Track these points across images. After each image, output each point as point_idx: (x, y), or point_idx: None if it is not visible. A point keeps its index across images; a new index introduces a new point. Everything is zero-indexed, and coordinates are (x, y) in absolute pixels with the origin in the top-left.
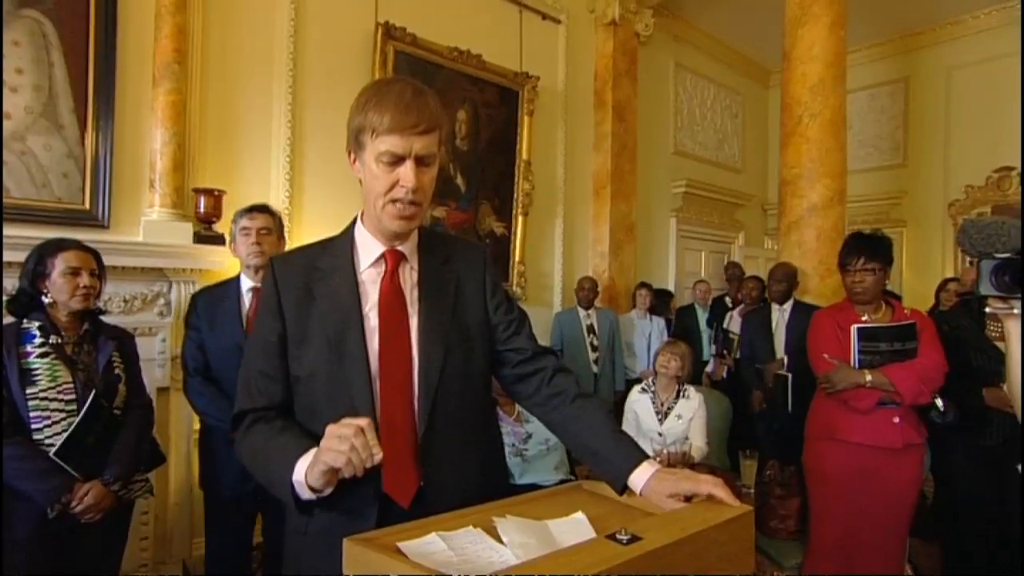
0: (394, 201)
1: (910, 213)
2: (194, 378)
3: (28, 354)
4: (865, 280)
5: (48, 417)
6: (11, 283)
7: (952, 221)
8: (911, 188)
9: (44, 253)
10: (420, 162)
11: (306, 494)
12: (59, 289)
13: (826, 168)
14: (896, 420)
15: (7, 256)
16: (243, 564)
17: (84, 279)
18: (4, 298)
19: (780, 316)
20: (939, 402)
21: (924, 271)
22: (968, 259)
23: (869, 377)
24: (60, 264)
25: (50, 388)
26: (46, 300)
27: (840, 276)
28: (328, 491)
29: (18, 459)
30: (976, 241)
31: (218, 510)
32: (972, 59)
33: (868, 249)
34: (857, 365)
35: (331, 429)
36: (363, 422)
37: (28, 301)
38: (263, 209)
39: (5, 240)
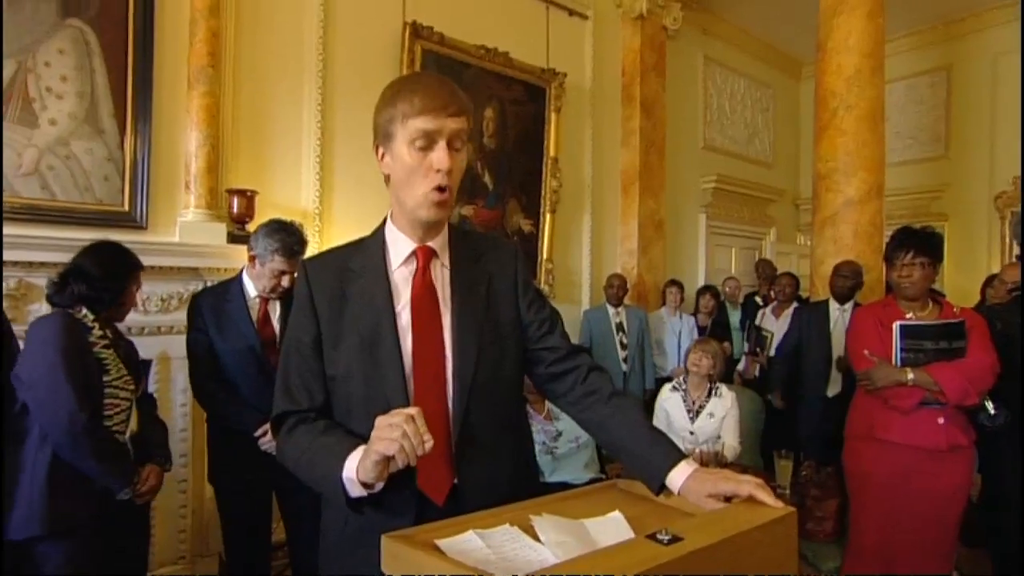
0: (428, 188)
1: (952, 207)
2: (208, 382)
3: (94, 344)
4: (913, 275)
5: (117, 405)
6: (41, 281)
7: (999, 214)
8: (954, 180)
9: (131, 267)
10: (451, 145)
11: (356, 491)
12: (131, 301)
13: (863, 161)
14: (940, 421)
15: (50, 257)
16: (263, 550)
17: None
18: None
19: (840, 316)
20: (989, 405)
21: (968, 266)
22: (1014, 254)
23: (911, 375)
24: (136, 281)
25: (118, 378)
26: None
27: (882, 272)
28: (379, 486)
29: (105, 442)
30: None
31: (232, 503)
32: (1020, 44)
33: (917, 243)
34: (899, 363)
35: (381, 420)
36: (413, 410)
37: (109, 298)
38: (305, 247)
39: (50, 241)
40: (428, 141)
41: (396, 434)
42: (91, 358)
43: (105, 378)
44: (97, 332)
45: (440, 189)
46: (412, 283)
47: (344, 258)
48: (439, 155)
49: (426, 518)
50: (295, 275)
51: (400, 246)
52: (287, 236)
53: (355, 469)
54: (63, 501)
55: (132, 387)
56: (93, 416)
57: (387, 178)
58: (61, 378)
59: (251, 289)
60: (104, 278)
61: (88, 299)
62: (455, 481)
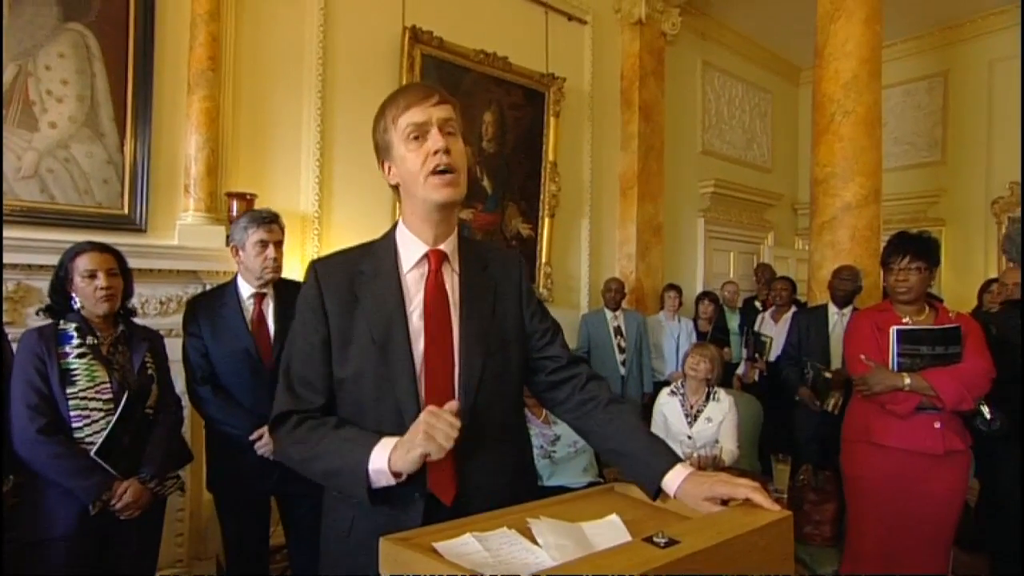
0: (432, 173)
1: (949, 212)
2: (203, 386)
3: (67, 355)
4: (909, 279)
5: (88, 416)
6: (40, 284)
7: (996, 220)
8: (950, 186)
9: (65, 259)
10: (442, 130)
11: (384, 481)
12: (82, 293)
13: (860, 166)
14: (937, 425)
15: (49, 260)
16: (262, 556)
17: (101, 280)
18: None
19: (839, 320)
20: (985, 410)
21: (964, 271)
22: (1009, 261)
23: (908, 380)
24: (79, 268)
25: (89, 388)
26: (76, 305)
27: (879, 277)
28: (404, 477)
29: (61, 457)
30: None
31: (231, 510)
32: (1016, 50)
33: (914, 247)
34: (896, 368)
35: (430, 419)
36: (452, 412)
37: (60, 308)
38: (278, 219)
39: (49, 244)
40: (421, 132)
41: (454, 432)
42: (54, 370)
43: (70, 390)
44: (76, 341)
45: (443, 171)
46: (424, 286)
47: (354, 261)
48: (434, 138)
49: (432, 520)
50: (280, 245)
51: (412, 249)
52: (254, 211)
53: (387, 460)
54: (50, 506)
55: (109, 396)
56: (49, 429)
57: (396, 191)
58: (13, 394)
59: (245, 290)
60: (50, 285)
61: (50, 311)
62: (458, 484)
